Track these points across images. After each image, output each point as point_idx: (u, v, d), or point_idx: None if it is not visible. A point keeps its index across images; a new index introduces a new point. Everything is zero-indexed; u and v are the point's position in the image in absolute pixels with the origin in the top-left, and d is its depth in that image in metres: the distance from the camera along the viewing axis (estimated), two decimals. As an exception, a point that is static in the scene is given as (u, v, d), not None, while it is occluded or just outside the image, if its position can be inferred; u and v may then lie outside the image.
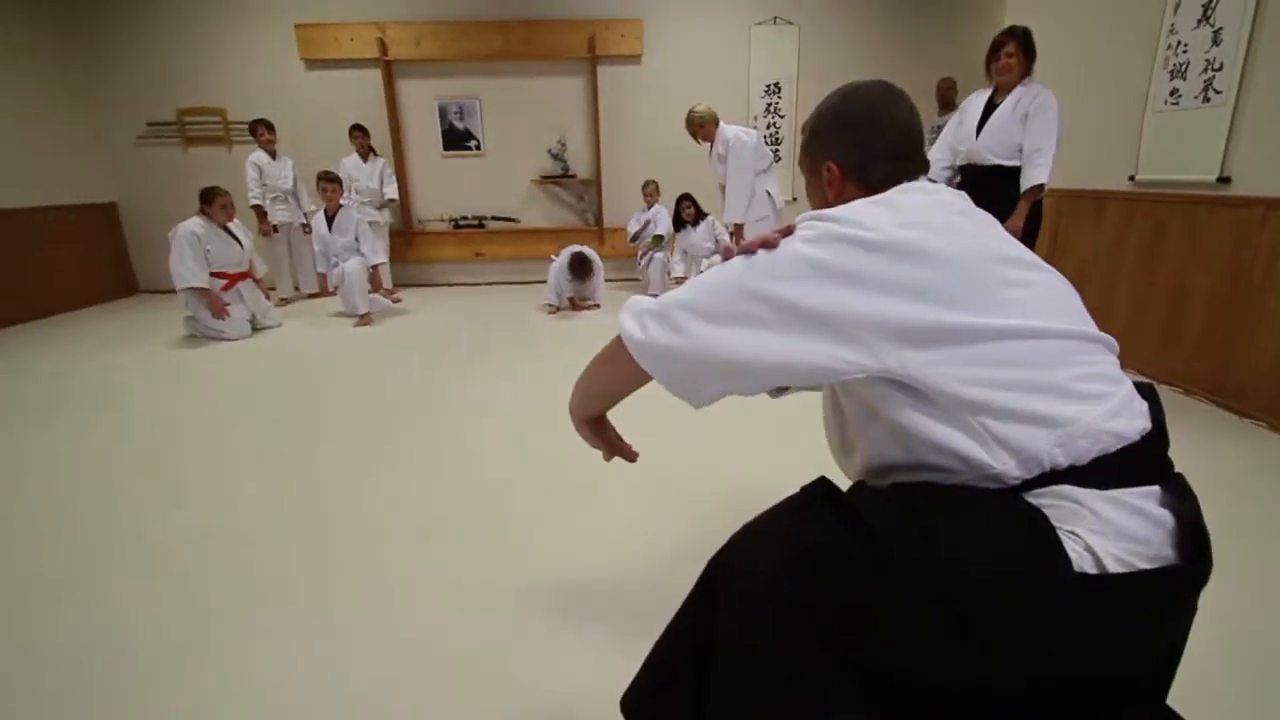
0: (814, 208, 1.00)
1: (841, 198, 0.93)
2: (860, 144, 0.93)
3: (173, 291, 4.04)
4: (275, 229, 5.16)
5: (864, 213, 0.78)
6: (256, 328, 4.28)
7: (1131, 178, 3.06)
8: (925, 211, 0.78)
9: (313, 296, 5.45)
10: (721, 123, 3.61)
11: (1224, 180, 2.59)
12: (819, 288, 0.74)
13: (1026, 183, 2.77)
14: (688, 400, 0.85)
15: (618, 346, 0.86)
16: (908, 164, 0.92)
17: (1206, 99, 2.64)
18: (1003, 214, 2.72)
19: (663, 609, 1.41)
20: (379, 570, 1.65)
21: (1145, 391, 0.84)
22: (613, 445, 1.05)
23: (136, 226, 5.76)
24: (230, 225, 4.14)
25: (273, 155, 5.09)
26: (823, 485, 0.83)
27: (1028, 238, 2.72)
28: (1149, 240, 2.98)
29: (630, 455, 1.06)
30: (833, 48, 5.65)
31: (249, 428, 2.62)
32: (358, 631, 1.43)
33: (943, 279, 0.73)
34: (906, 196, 0.83)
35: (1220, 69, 2.57)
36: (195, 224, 3.97)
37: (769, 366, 0.76)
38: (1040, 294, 0.78)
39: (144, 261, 5.82)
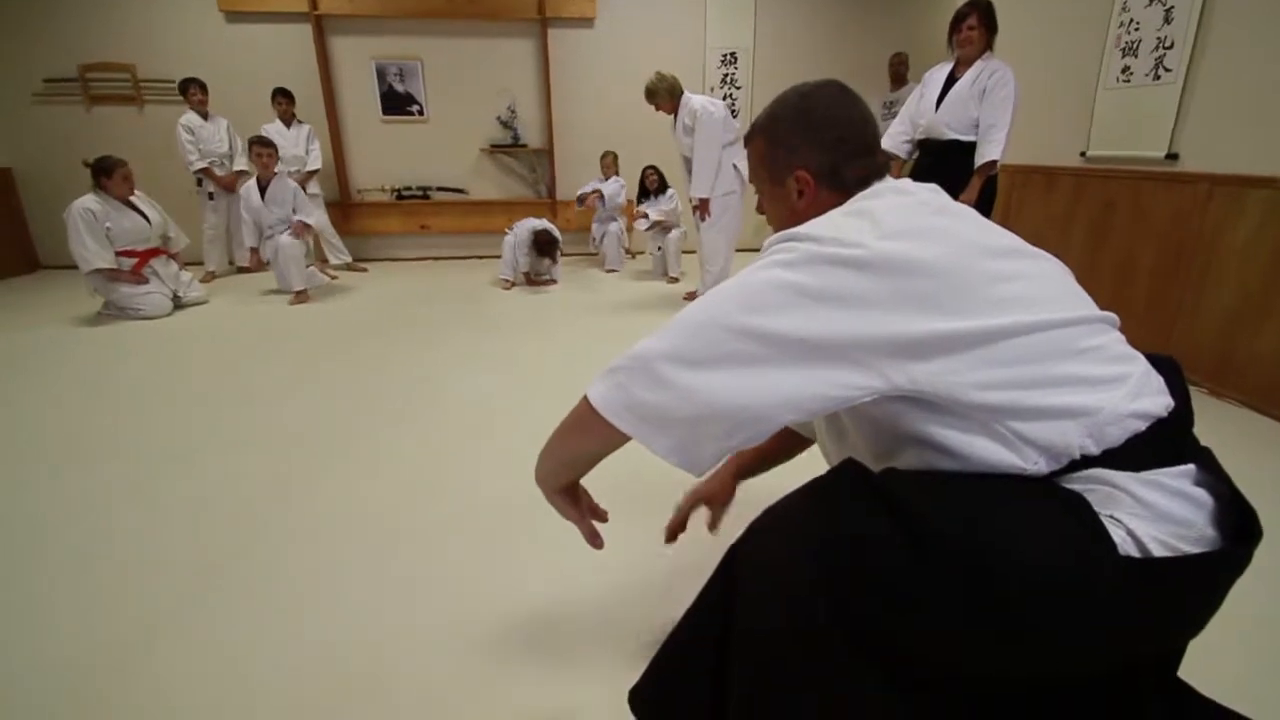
0: (775, 223, 0.93)
1: (814, 207, 0.86)
2: (832, 146, 0.87)
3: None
4: (211, 195, 4.78)
5: (842, 227, 0.73)
6: (179, 304, 3.94)
7: (1083, 154, 3.13)
8: (905, 217, 0.74)
9: (242, 271, 5.08)
10: (686, 92, 3.49)
11: (1172, 157, 2.67)
12: (809, 314, 0.68)
13: (980, 159, 2.79)
14: (687, 467, 0.76)
15: (588, 413, 0.76)
16: (874, 161, 0.88)
17: (1157, 77, 2.71)
18: (958, 189, 2.75)
19: (657, 614, 1.33)
20: (321, 583, 1.50)
21: (1165, 364, 0.82)
22: (587, 510, 0.96)
23: (36, 195, 5.19)
24: (134, 198, 3.76)
25: (204, 116, 4.67)
26: (852, 468, 0.78)
27: (981, 213, 2.75)
28: (1098, 215, 3.07)
29: (601, 516, 0.98)
30: (789, 18, 5.59)
31: (169, 417, 2.38)
32: (308, 651, 1.30)
33: (936, 287, 0.69)
34: (882, 201, 0.78)
35: (1171, 47, 2.63)
36: (90, 200, 3.59)
37: (773, 406, 0.70)
38: (1037, 283, 0.75)
39: (46, 234, 5.24)
